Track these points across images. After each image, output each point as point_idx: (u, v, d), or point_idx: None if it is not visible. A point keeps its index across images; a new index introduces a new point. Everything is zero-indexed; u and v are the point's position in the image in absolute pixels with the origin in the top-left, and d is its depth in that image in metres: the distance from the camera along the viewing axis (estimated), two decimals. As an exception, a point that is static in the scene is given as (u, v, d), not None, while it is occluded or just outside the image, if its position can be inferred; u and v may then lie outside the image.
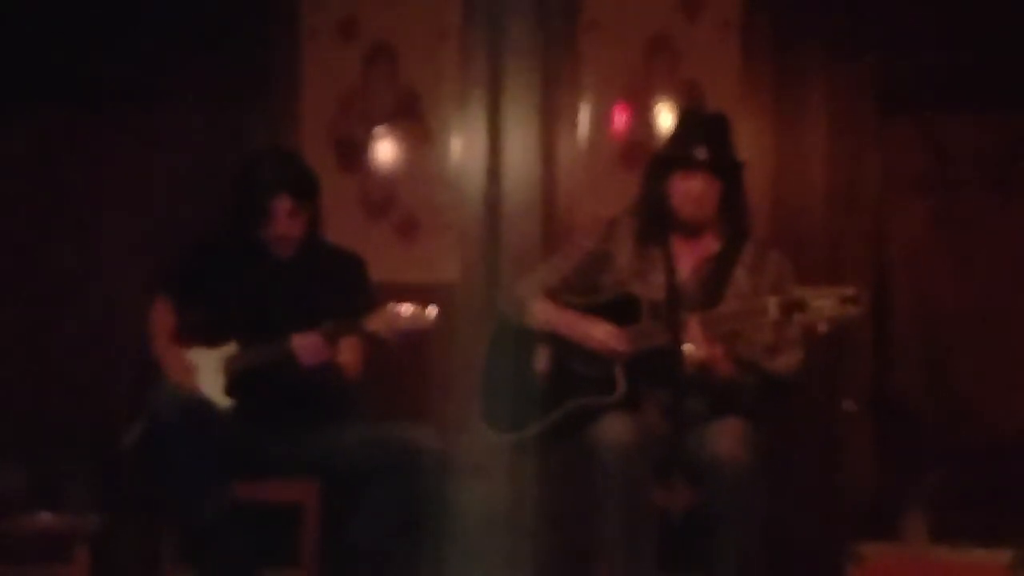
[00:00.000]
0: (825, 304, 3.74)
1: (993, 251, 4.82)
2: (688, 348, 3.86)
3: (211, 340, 4.22)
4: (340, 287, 4.27)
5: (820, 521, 4.69)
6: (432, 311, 4.04)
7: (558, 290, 4.15)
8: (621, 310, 4.00)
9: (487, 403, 4.18)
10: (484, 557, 4.56)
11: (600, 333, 3.99)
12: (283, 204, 4.20)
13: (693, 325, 3.83)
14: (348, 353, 4.21)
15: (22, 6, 5.00)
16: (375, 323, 4.06)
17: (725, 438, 3.80)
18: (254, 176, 4.25)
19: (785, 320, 3.78)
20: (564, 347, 4.07)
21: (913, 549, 4.36)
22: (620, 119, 4.88)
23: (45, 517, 4.52)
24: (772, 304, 3.79)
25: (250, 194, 4.22)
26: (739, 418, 3.89)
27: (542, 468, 4.49)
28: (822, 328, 3.77)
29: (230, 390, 4.17)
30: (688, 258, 4.05)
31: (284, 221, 4.22)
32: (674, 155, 4.06)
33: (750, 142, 4.78)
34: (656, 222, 4.04)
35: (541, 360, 4.12)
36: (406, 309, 4.04)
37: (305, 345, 4.08)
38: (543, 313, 4.12)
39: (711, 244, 4.09)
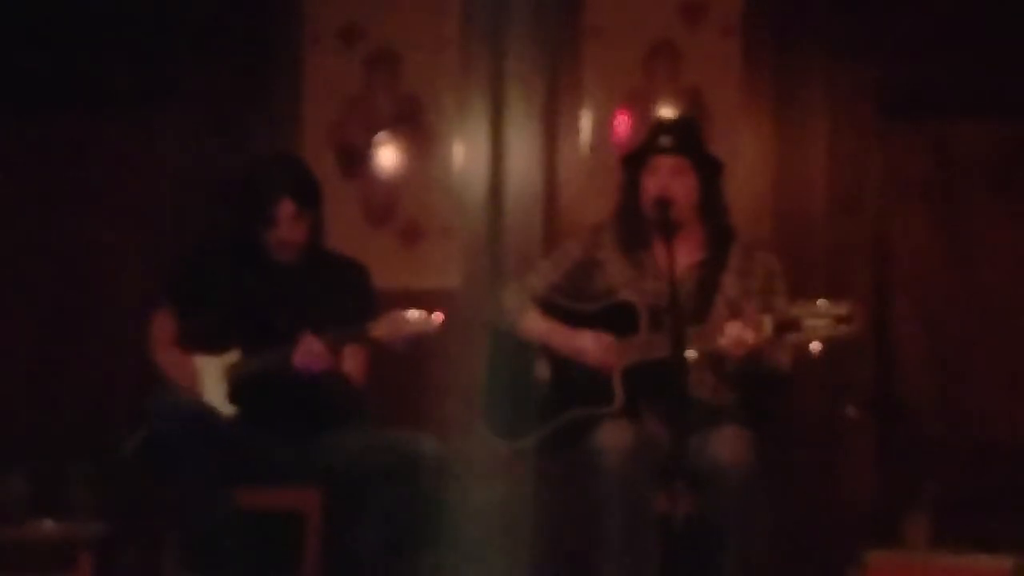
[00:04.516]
0: (819, 323, 3.73)
1: (995, 256, 4.81)
2: (690, 355, 3.86)
3: (213, 347, 4.22)
4: (343, 294, 4.27)
5: (822, 527, 4.69)
6: (437, 317, 4.04)
7: (547, 298, 4.15)
8: (616, 318, 4.00)
9: (488, 408, 4.18)
10: (485, 564, 4.56)
11: (591, 345, 3.99)
12: (287, 209, 4.20)
13: (732, 324, 3.80)
14: (352, 360, 4.21)
15: (25, 10, 5.01)
16: (380, 330, 4.06)
17: (727, 445, 3.80)
18: (258, 181, 4.25)
19: (778, 339, 3.78)
20: (561, 357, 4.07)
21: (915, 554, 4.37)
22: (622, 125, 4.89)
23: (48, 525, 4.52)
24: (766, 322, 3.79)
25: (254, 199, 4.22)
26: (742, 425, 3.89)
27: (542, 475, 4.49)
28: (815, 347, 3.78)
29: (232, 397, 4.17)
30: (675, 265, 4.03)
31: (287, 226, 4.22)
32: (639, 150, 4.09)
33: (751, 148, 4.80)
34: (638, 227, 4.05)
35: (541, 369, 4.12)
36: (411, 315, 4.04)
37: (307, 351, 4.08)
38: (534, 325, 4.12)
39: (696, 251, 4.07)
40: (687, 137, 4.06)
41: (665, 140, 4.03)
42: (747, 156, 4.81)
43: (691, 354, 3.86)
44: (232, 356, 4.20)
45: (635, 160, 4.10)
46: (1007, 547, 4.29)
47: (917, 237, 4.84)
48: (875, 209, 4.84)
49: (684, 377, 3.80)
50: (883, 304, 4.80)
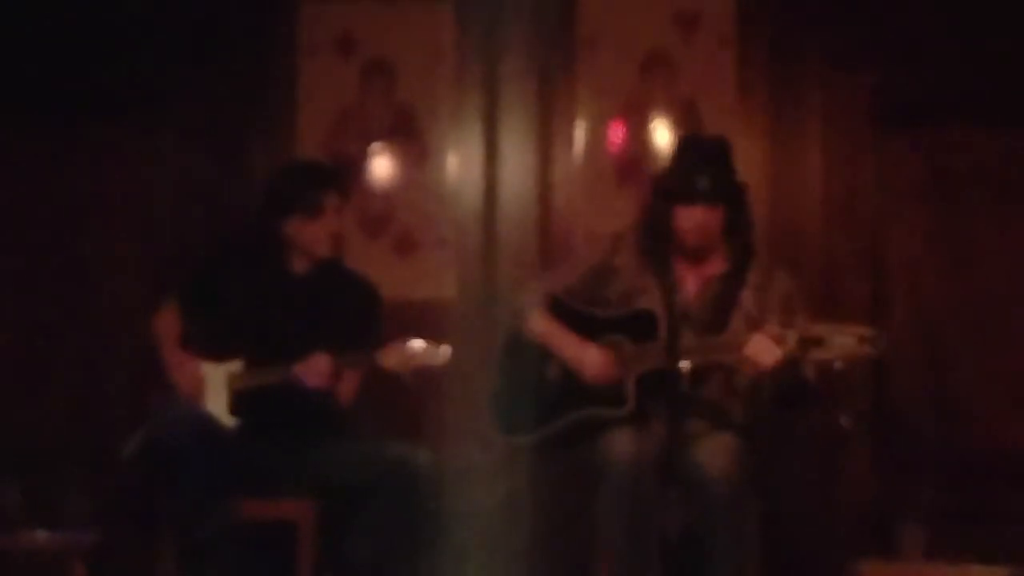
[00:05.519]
0: (844, 342, 3.76)
1: (991, 264, 4.81)
2: (684, 366, 3.86)
3: (216, 354, 4.23)
4: (352, 315, 4.28)
5: (817, 536, 4.69)
6: (446, 350, 4.06)
7: (560, 299, 4.14)
8: (635, 325, 4.00)
9: (496, 403, 4.17)
10: (481, 572, 4.56)
11: (591, 362, 3.99)
12: (332, 200, 4.26)
13: (760, 337, 3.81)
14: (347, 382, 4.23)
15: (24, 18, 5.02)
16: (388, 359, 4.08)
17: (716, 455, 3.81)
18: (301, 175, 4.32)
19: (801, 354, 3.79)
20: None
21: (910, 564, 4.37)
22: (616, 135, 4.89)
23: (41, 534, 4.51)
24: (791, 337, 3.79)
25: (299, 191, 4.25)
26: (733, 435, 3.90)
27: (541, 479, 4.49)
28: (838, 365, 3.78)
29: (233, 408, 4.17)
30: (694, 278, 4.04)
31: (334, 218, 4.26)
32: (675, 187, 4.02)
33: (746, 158, 4.78)
34: (660, 244, 4.04)
35: (554, 367, 4.11)
36: (419, 346, 4.06)
37: (313, 369, 4.09)
38: (538, 325, 4.11)
39: (717, 264, 4.07)
40: (723, 180, 4.02)
41: (702, 183, 3.97)
42: (742, 166, 4.77)
43: (685, 365, 3.86)
44: (234, 366, 4.21)
45: (667, 195, 4.03)
46: (1002, 557, 4.28)
47: (913, 245, 4.84)
48: (871, 217, 4.84)
49: (679, 387, 3.81)
50: (879, 312, 4.79)
